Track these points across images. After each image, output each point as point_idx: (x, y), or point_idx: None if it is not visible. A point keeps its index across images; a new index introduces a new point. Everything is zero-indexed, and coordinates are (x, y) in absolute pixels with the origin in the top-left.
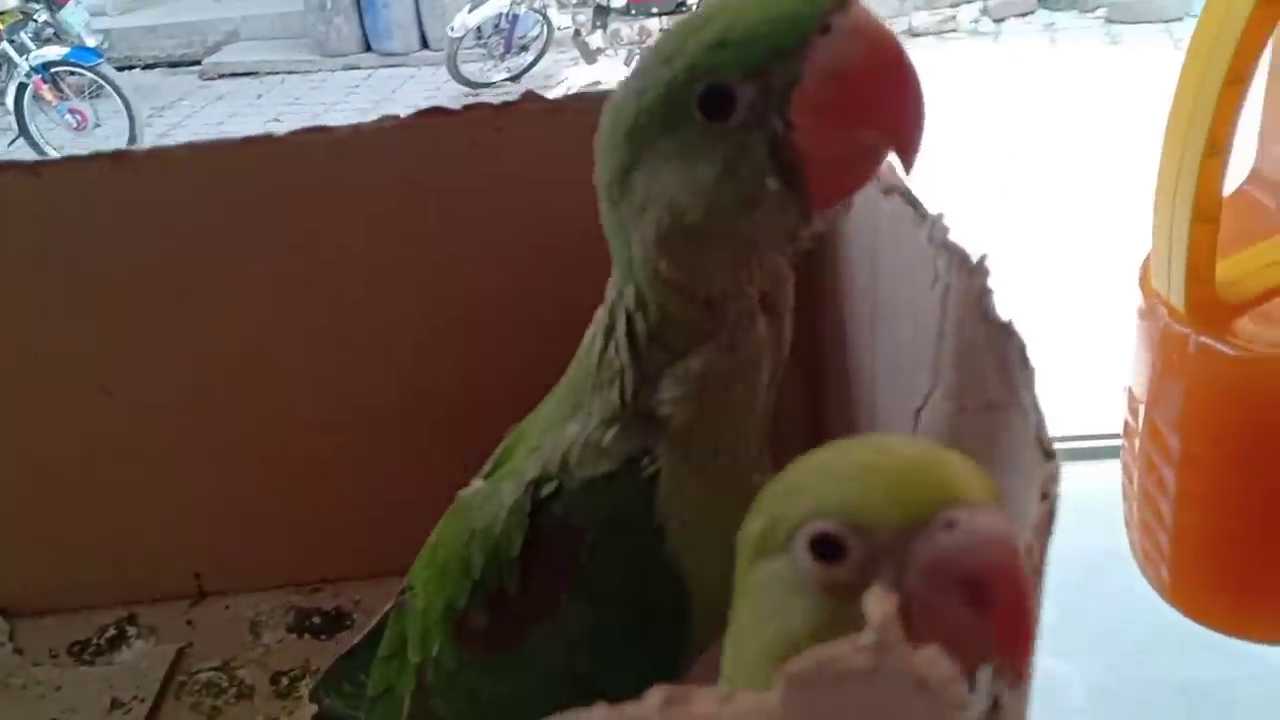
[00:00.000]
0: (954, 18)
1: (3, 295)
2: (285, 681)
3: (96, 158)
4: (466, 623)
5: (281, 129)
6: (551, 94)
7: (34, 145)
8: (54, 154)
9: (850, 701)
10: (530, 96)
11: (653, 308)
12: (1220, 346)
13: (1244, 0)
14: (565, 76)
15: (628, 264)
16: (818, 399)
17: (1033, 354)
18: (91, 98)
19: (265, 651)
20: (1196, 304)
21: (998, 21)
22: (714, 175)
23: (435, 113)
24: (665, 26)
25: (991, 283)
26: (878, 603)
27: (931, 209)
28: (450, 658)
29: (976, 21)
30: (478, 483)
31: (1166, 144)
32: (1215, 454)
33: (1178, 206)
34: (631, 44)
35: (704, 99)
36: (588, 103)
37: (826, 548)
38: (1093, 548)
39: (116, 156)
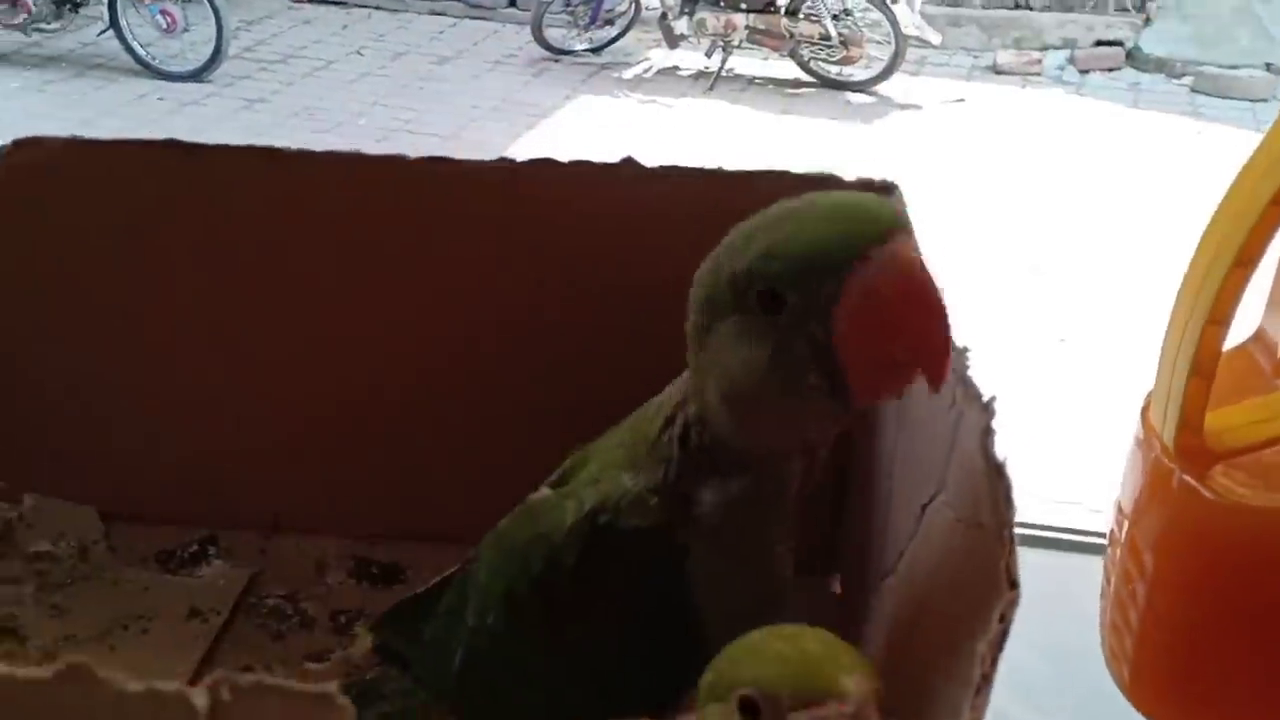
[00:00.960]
0: (1039, 61)
1: (148, 255)
2: (343, 619)
3: (251, 149)
4: (520, 605)
5: (433, 75)
6: (629, 72)
7: (122, 39)
8: (140, 50)
9: None
10: (629, 161)
11: (707, 432)
12: (1201, 489)
13: (1262, 195)
14: (646, 56)
15: (696, 390)
16: (844, 470)
17: (1016, 495)
18: (184, 1)
19: (327, 590)
20: (1184, 448)
21: (1083, 73)
22: (765, 362)
23: (544, 163)
24: (751, 23)
25: (995, 423)
26: (858, 682)
27: (958, 343)
28: (501, 628)
29: (1061, 69)
30: (545, 490)
31: (1178, 301)
32: (1183, 580)
33: (1179, 359)
34: (715, 35)
35: (760, 295)
36: (683, 175)
37: (748, 708)
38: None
39: (269, 152)
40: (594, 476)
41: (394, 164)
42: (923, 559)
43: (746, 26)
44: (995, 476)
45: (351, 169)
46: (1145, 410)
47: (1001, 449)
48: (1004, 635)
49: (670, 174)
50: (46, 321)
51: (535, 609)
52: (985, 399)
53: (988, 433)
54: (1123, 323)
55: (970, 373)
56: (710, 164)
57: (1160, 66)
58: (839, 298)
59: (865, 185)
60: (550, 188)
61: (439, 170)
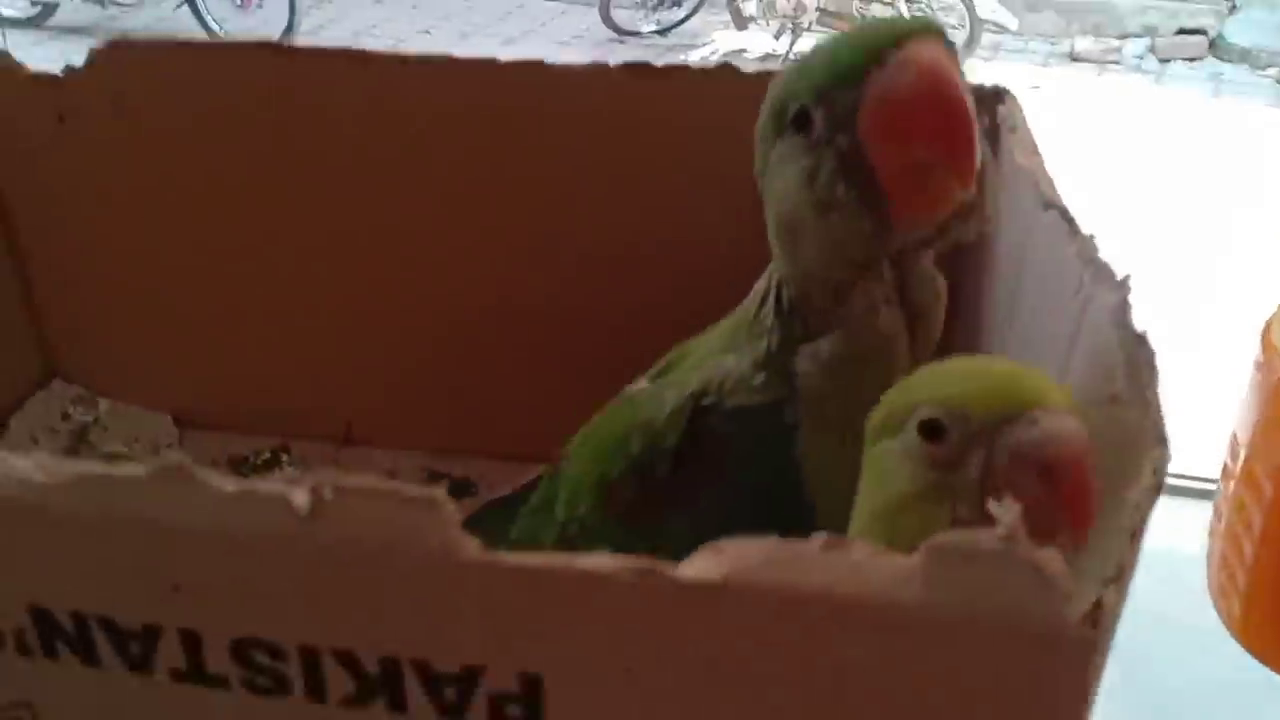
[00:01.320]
0: (1119, 49)
1: (237, 159)
2: None
3: (342, 52)
4: (615, 492)
5: (501, 56)
6: (695, 54)
7: (197, 13)
8: (214, 25)
9: (978, 576)
10: (726, 68)
11: (793, 288)
12: None
13: None
14: (713, 38)
15: (773, 248)
16: None
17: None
18: None
19: None
20: None
21: (1163, 62)
22: (798, 181)
23: (640, 68)
24: (822, 5)
25: (1130, 299)
26: (1007, 507)
27: (1083, 229)
28: (594, 519)
29: (1141, 58)
30: (643, 382)
31: None
32: None
33: None
34: (785, 17)
35: (794, 117)
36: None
37: (932, 430)
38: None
39: (361, 56)
40: (696, 364)
41: (487, 68)
42: None
43: (818, 8)
44: (1134, 345)
45: (444, 73)
46: (1266, 332)
47: (1138, 321)
48: (1157, 489)
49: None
50: (128, 226)
51: (632, 496)
52: (1118, 277)
53: (1123, 306)
54: (1202, 325)
55: (1099, 255)
56: None
57: (1244, 57)
58: (858, 104)
59: (976, 91)
60: (652, 93)
61: (534, 74)
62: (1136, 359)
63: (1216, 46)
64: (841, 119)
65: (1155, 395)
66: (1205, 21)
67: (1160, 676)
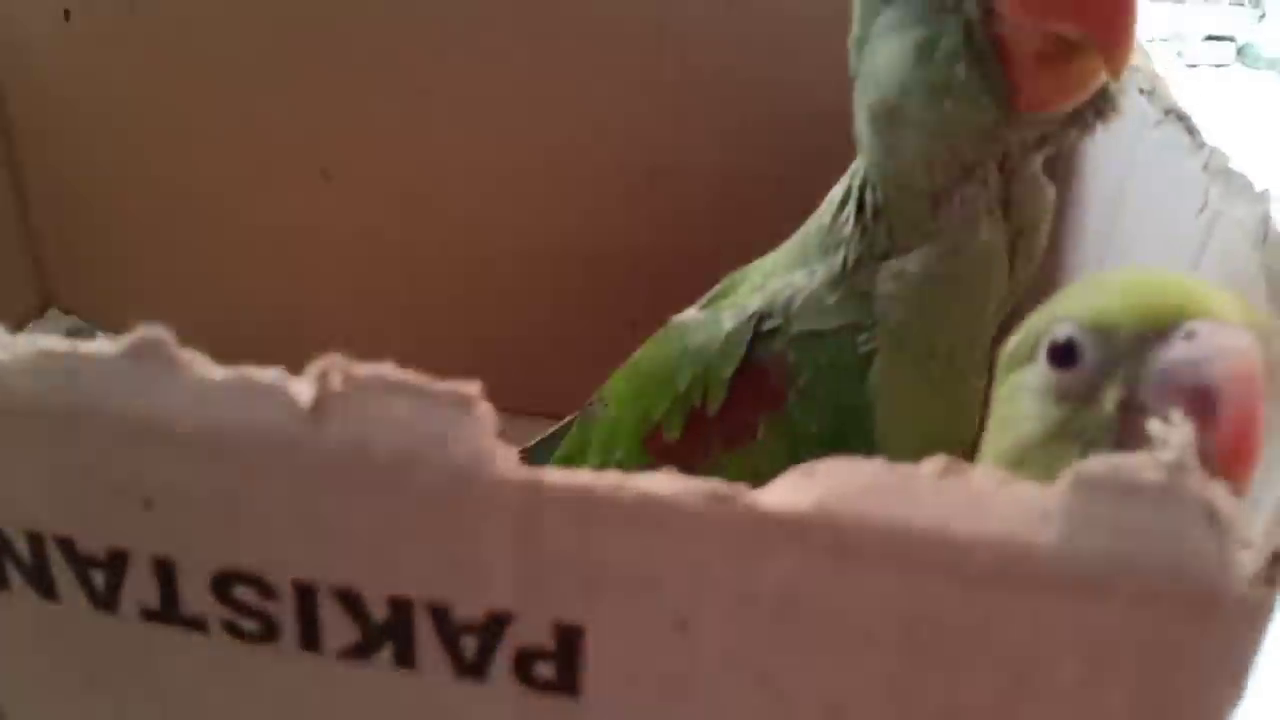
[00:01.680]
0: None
1: (253, 63)
2: None
3: None
4: (659, 433)
5: None
6: None
7: None
8: None
9: (1133, 516)
10: None
11: (880, 191)
12: None
13: None
14: None
15: (860, 140)
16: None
17: None
18: None
19: None
20: None
21: (1190, 67)
22: (912, 54)
23: None
24: None
25: (1274, 211)
26: (1178, 427)
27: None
28: (634, 463)
29: (1169, 62)
30: (693, 310)
31: None
32: None
33: None
34: None
35: None
36: None
37: (1063, 353)
38: None
39: None
40: (758, 285)
41: None
42: None
43: None
44: None
45: None
46: None
47: None
48: None
49: None
50: (135, 140)
51: (678, 434)
52: (1257, 189)
53: (1264, 221)
54: None
55: (1231, 166)
56: None
57: (1273, 65)
58: None
59: None
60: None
61: None
62: None
63: (1244, 54)
64: None
65: None
66: (1233, 28)
67: None
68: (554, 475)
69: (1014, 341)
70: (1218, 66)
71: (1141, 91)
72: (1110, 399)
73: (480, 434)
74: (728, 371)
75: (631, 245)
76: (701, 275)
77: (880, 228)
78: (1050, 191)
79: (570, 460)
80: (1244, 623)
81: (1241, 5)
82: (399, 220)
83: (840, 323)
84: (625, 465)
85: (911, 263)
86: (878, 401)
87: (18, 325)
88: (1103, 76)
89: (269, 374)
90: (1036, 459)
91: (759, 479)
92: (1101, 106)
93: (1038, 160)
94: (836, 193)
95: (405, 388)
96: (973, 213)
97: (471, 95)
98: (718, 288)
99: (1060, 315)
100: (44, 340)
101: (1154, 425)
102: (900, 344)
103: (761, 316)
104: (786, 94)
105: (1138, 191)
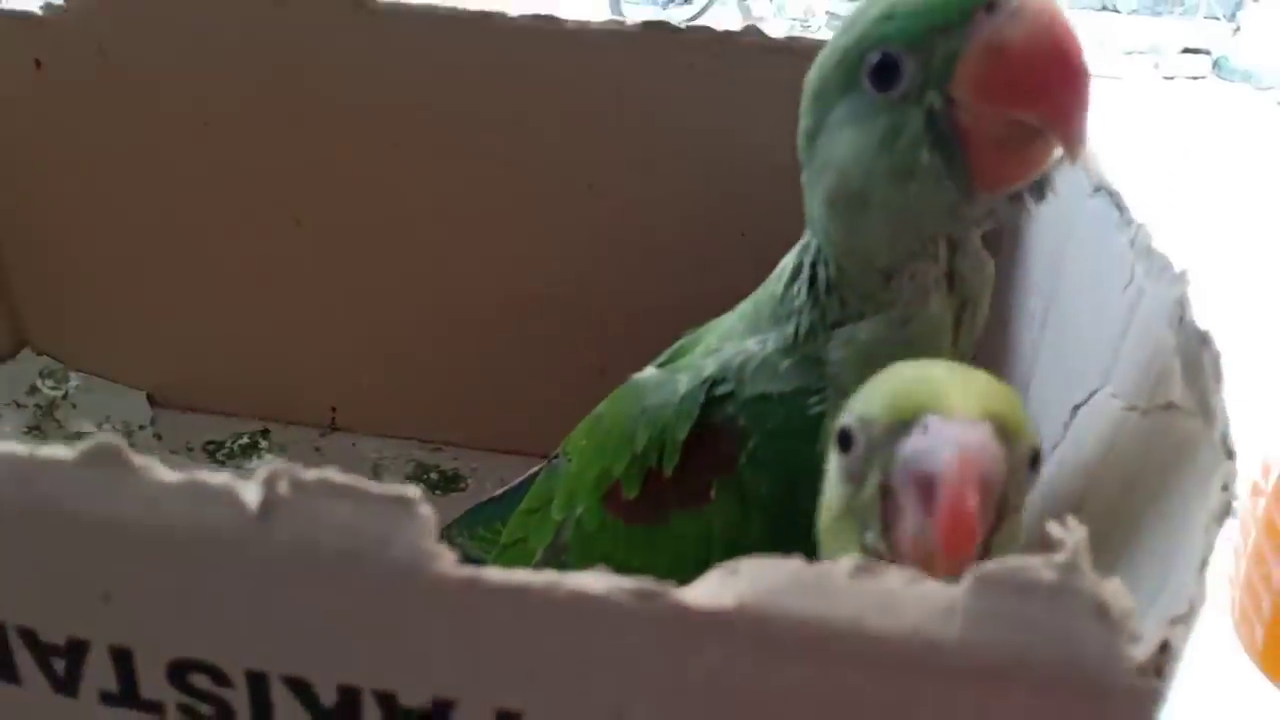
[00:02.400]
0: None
1: (224, 112)
2: None
3: None
4: (617, 491)
5: (512, 8)
6: None
7: None
8: None
9: (1029, 612)
10: (752, 30)
11: (832, 265)
12: None
13: None
14: None
15: (810, 216)
16: None
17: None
18: None
19: None
20: None
21: (1167, 79)
22: (875, 144)
23: (659, 27)
24: (832, 8)
25: (1190, 293)
26: (1071, 528)
27: (1136, 216)
28: (593, 520)
29: (1144, 76)
30: (651, 370)
31: None
32: None
33: None
34: (795, 20)
35: (873, 69)
36: (807, 46)
37: (842, 440)
38: None
39: (357, 1)
40: (712, 348)
41: (494, 21)
42: (1074, 462)
43: (827, 11)
44: (1197, 346)
45: (447, 25)
46: None
47: (1201, 319)
48: (1228, 506)
49: (794, 44)
50: (106, 185)
51: (635, 493)
52: (1176, 270)
53: (1181, 303)
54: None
55: (1154, 245)
56: None
57: (1247, 78)
58: (961, 53)
59: None
60: (671, 56)
61: (546, 30)
62: (1198, 361)
63: (1220, 66)
64: (937, 71)
65: (1221, 403)
66: (1209, 41)
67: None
68: (491, 574)
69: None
70: (1194, 79)
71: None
72: (871, 483)
73: (420, 534)
74: (682, 434)
75: (600, 293)
76: (668, 322)
77: (833, 299)
78: (991, 266)
79: (535, 511)
80: (1134, 711)
81: (1217, 19)
82: (371, 266)
83: (791, 386)
84: (585, 523)
85: (864, 330)
86: (828, 456)
87: None
88: (1058, 156)
89: (219, 478)
90: (836, 532)
91: (713, 539)
92: (1039, 185)
93: (977, 236)
94: (788, 263)
95: (349, 491)
96: (924, 286)
97: (441, 148)
98: (675, 345)
99: (847, 407)
100: (3, 445)
101: (1052, 526)
102: None
103: (714, 382)
104: (746, 151)
105: (1074, 259)
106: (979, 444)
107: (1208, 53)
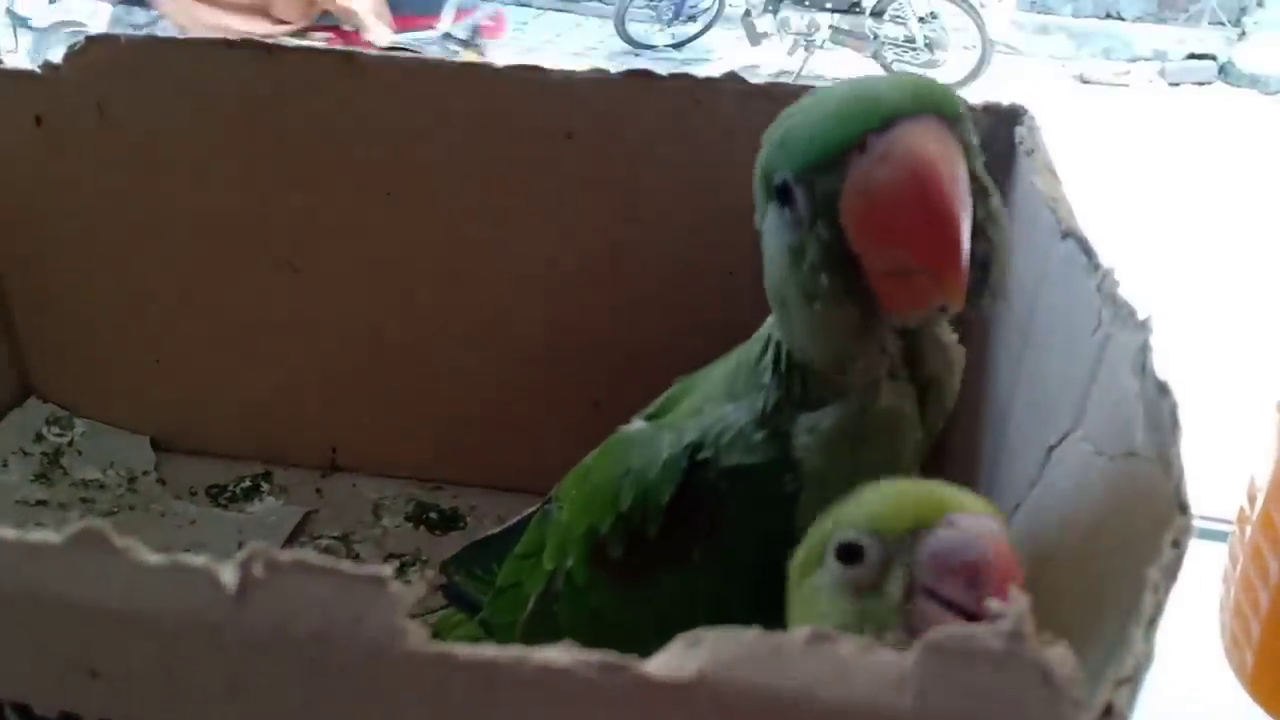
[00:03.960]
0: (1128, 72)
1: (221, 164)
2: (398, 564)
3: (330, 52)
4: (603, 549)
5: (498, 60)
6: (708, 69)
7: None
8: None
9: (976, 678)
10: (732, 77)
11: (794, 351)
12: None
13: None
14: (725, 54)
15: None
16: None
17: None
18: None
19: (383, 533)
20: None
21: (1172, 86)
22: (788, 260)
23: (643, 75)
24: (836, 23)
25: (1153, 341)
26: (1015, 597)
27: (1104, 261)
28: (581, 574)
29: (1151, 81)
30: (639, 422)
31: None
32: None
33: None
34: (799, 34)
35: (776, 189)
36: (786, 92)
37: (849, 553)
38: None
39: (348, 55)
40: (696, 407)
41: (482, 72)
42: (1049, 505)
43: (830, 26)
44: (1156, 395)
45: (437, 77)
46: None
47: (1161, 368)
48: (1179, 561)
49: (773, 90)
50: (107, 237)
51: (620, 552)
52: (1140, 317)
53: (1144, 350)
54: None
55: (1120, 292)
56: None
57: (1253, 83)
58: (839, 191)
59: (991, 109)
60: (655, 102)
61: (532, 80)
62: (1158, 411)
63: (1226, 72)
64: (822, 204)
65: (1177, 454)
66: (1215, 47)
67: None
68: (462, 649)
69: (800, 555)
70: (1200, 84)
71: (1048, 211)
72: (895, 585)
73: (393, 612)
74: (665, 498)
75: (592, 330)
76: (659, 358)
77: (795, 378)
78: (956, 350)
79: (529, 557)
80: None
81: (1222, 25)
82: (366, 308)
83: (765, 459)
84: (575, 576)
85: (825, 418)
86: (806, 528)
87: None
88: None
89: (198, 560)
90: None
91: (696, 598)
92: (977, 299)
93: (935, 326)
94: (762, 331)
95: (323, 571)
96: (873, 378)
97: (432, 195)
98: (665, 396)
99: (840, 523)
100: None
101: (991, 603)
102: (822, 489)
103: (695, 448)
104: (733, 193)
105: (1047, 300)
106: (1000, 531)
107: (1214, 58)
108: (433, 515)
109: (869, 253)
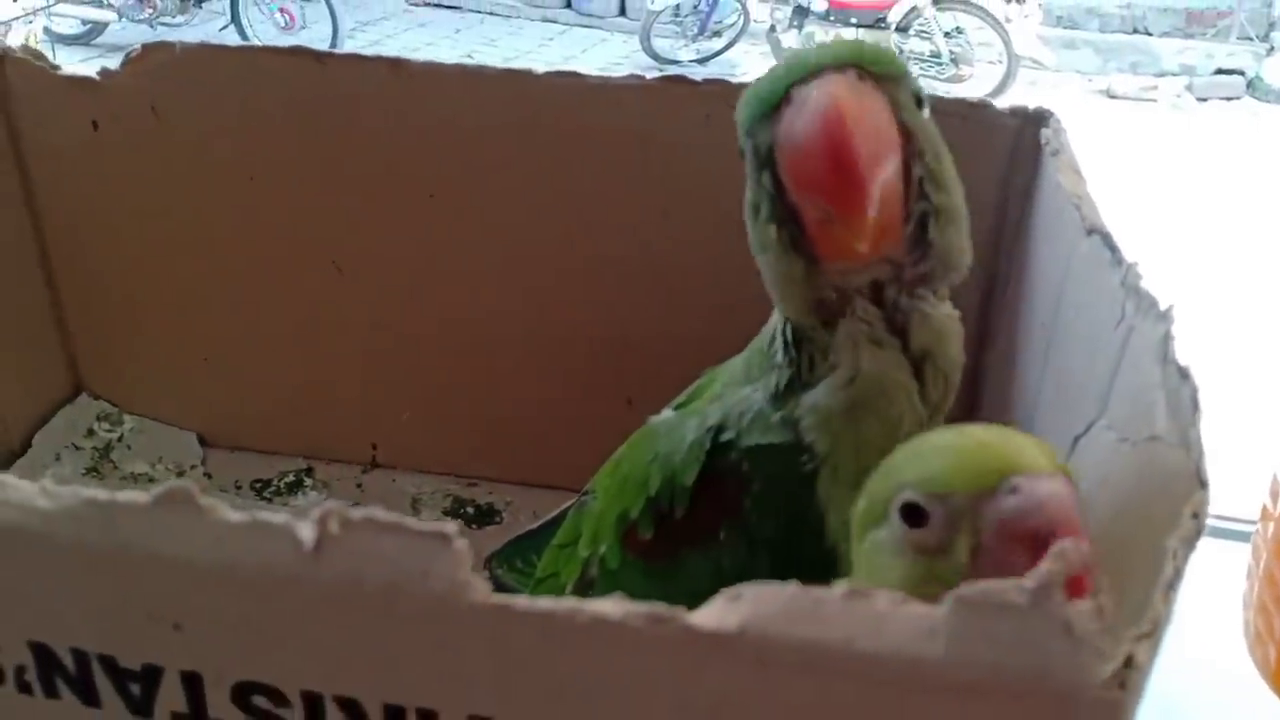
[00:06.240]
0: (1155, 87)
1: (270, 168)
2: None
3: (377, 60)
4: (634, 531)
5: (537, 67)
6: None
7: (242, 34)
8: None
9: (1002, 630)
10: None
11: (791, 326)
12: None
13: None
14: (750, 70)
15: None
16: (972, 415)
17: (1203, 400)
18: (302, 0)
19: None
20: None
21: (1200, 101)
22: (751, 215)
23: (678, 80)
24: (860, 39)
25: (1175, 330)
26: (1055, 556)
27: (1127, 256)
28: (614, 558)
29: (1179, 96)
30: (668, 412)
31: None
32: None
33: None
34: None
35: (740, 148)
36: None
37: (913, 515)
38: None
39: (395, 62)
40: (718, 393)
41: (522, 79)
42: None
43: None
44: (1178, 381)
45: (479, 83)
46: None
47: (1182, 356)
48: (1198, 532)
49: None
50: (159, 238)
51: (650, 534)
52: (1161, 307)
53: (1166, 340)
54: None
55: (1143, 284)
56: None
57: None
58: (774, 145)
59: (1018, 113)
60: (691, 108)
61: (570, 85)
62: (1179, 396)
63: (1254, 87)
64: (764, 158)
65: (1197, 435)
66: (1243, 62)
67: None
68: (520, 600)
69: (862, 506)
70: (1228, 100)
71: (1072, 209)
72: (961, 549)
73: (457, 566)
74: (690, 479)
75: (626, 329)
76: (690, 355)
77: (802, 355)
78: (948, 321)
79: (566, 546)
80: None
81: (1250, 40)
82: (408, 308)
83: (782, 440)
84: (608, 560)
85: (821, 394)
86: (827, 513)
87: (51, 410)
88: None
89: (278, 518)
90: None
91: (723, 576)
92: (919, 259)
93: (929, 294)
94: (774, 315)
95: (392, 528)
96: (854, 342)
97: (475, 196)
98: (693, 386)
99: (902, 483)
100: (86, 491)
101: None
102: (832, 465)
103: (718, 429)
104: None
105: (1072, 296)
106: (1068, 494)
107: (1241, 73)
108: (469, 510)
109: (801, 202)
